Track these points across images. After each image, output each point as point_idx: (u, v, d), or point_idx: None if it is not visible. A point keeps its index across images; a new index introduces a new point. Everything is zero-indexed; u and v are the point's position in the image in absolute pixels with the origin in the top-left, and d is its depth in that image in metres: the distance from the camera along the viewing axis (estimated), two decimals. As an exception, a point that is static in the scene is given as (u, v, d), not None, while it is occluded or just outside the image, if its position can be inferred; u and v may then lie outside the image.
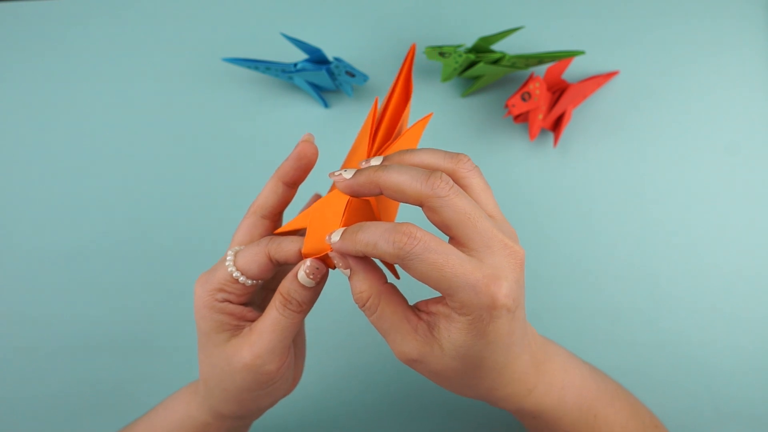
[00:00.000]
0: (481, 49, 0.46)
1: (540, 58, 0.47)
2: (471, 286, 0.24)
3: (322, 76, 0.48)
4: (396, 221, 0.29)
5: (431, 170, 0.25)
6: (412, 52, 0.31)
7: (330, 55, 0.51)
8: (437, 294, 0.27)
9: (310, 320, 0.48)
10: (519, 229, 0.49)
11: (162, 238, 0.51)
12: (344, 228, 0.26)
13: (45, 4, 0.54)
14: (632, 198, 0.49)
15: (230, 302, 0.29)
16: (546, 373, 0.30)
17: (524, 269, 0.26)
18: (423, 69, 0.52)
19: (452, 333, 0.25)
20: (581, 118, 0.50)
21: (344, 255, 0.26)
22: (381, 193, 0.26)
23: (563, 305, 0.49)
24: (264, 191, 0.31)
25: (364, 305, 0.27)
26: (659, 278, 0.48)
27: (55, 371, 0.50)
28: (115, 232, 0.51)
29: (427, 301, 0.28)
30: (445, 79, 0.49)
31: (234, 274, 0.28)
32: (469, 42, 0.50)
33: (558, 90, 0.48)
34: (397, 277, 0.31)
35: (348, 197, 0.26)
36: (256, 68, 0.49)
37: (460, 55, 0.46)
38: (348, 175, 0.27)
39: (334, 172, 0.27)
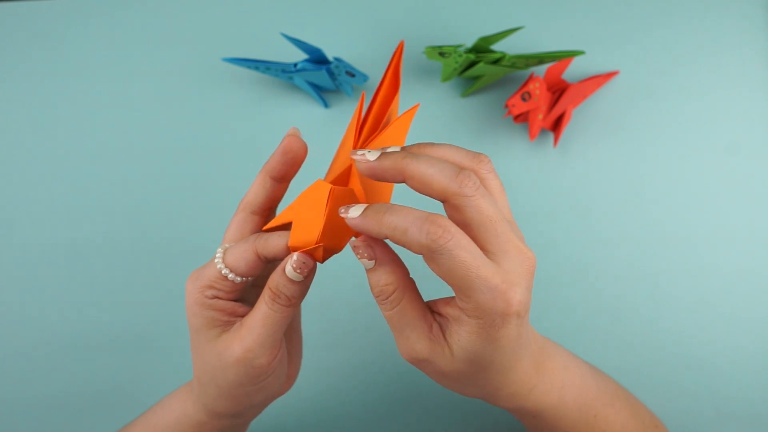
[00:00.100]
0: (481, 49, 0.46)
1: (540, 58, 0.47)
2: (490, 289, 0.24)
3: (322, 76, 0.48)
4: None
5: (459, 167, 0.25)
6: (400, 47, 0.32)
7: (330, 55, 0.51)
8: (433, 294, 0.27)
9: (310, 319, 0.48)
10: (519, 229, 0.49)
11: (162, 237, 0.51)
12: (366, 204, 0.26)
13: (45, 4, 0.54)
14: (632, 198, 0.49)
15: (220, 299, 0.29)
16: (546, 373, 0.30)
17: (534, 274, 0.26)
18: (423, 69, 0.52)
19: (462, 336, 0.25)
20: (581, 118, 0.50)
21: (368, 244, 0.26)
22: (402, 181, 0.26)
23: (563, 305, 0.49)
24: (252, 187, 0.31)
25: (386, 298, 0.26)
26: (659, 278, 0.48)
27: (55, 371, 0.50)
28: (115, 231, 0.51)
29: (436, 302, 0.28)
30: (445, 79, 0.49)
31: (223, 272, 0.28)
32: (469, 42, 0.50)
33: (558, 90, 0.48)
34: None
35: (330, 186, 0.26)
36: (256, 68, 0.49)
37: (460, 55, 0.46)
38: (372, 156, 0.26)
39: (356, 151, 0.27)
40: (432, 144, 0.28)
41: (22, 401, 0.49)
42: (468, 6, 0.52)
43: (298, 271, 0.27)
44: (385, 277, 0.26)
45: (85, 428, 0.49)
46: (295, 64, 0.48)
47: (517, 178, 0.50)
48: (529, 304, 0.26)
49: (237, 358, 0.28)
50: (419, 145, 0.28)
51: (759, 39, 0.50)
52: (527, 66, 0.48)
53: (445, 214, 0.26)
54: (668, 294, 0.48)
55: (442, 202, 0.25)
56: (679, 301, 0.48)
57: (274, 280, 0.27)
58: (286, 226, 0.29)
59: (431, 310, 0.28)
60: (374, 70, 0.52)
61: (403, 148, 0.27)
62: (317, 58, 0.47)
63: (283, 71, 0.48)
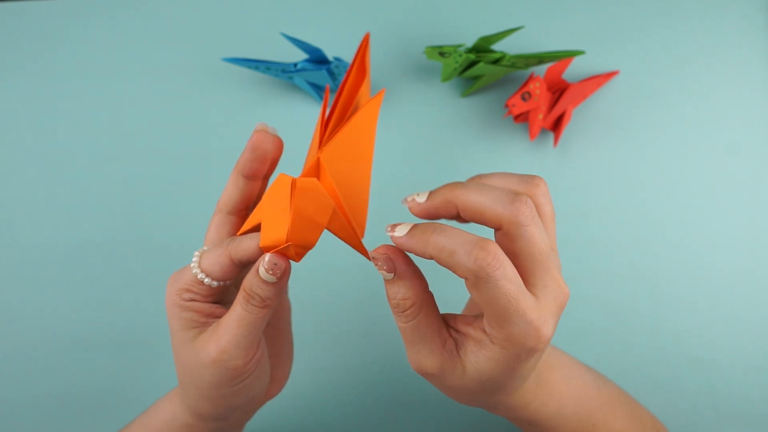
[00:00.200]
0: (481, 49, 0.46)
1: (540, 58, 0.47)
2: (525, 324, 0.24)
3: (322, 76, 0.48)
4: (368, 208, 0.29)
5: (515, 193, 0.24)
6: (366, 39, 0.31)
7: (330, 55, 0.51)
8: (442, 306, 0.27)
9: (310, 319, 0.48)
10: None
11: (161, 238, 0.51)
12: (413, 224, 0.25)
13: (45, 4, 0.54)
14: (632, 198, 0.49)
15: (197, 301, 0.29)
16: (546, 385, 0.30)
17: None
18: (423, 69, 0.52)
19: (480, 360, 0.25)
20: (581, 118, 0.50)
21: (392, 258, 0.26)
22: (456, 215, 0.25)
23: (563, 305, 0.49)
24: (226, 187, 0.30)
25: (403, 311, 0.26)
26: (659, 278, 0.48)
27: (54, 371, 0.50)
28: (115, 232, 0.51)
29: (455, 317, 0.27)
30: (445, 79, 0.49)
31: (199, 276, 0.28)
32: (469, 42, 0.50)
33: (558, 90, 0.48)
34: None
35: (291, 179, 0.25)
36: (256, 68, 0.49)
37: (460, 55, 0.46)
38: (421, 198, 0.26)
39: (406, 198, 0.26)
40: (483, 174, 0.27)
41: (22, 401, 0.49)
42: (468, 6, 0.52)
43: (270, 272, 0.26)
44: (403, 291, 0.26)
45: (85, 428, 0.49)
46: (295, 64, 0.48)
47: (517, 178, 0.50)
48: (550, 338, 0.26)
49: (212, 358, 0.27)
50: (472, 178, 0.27)
51: (759, 39, 0.50)
52: (527, 66, 0.48)
53: (493, 238, 0.26)
54: (668, 294, 0.48)
55: (496, 229, 0.25)
56: (679, 300, 0.48)
57: (248, 281, 0.27)
58: (259, 227, 0.28)
59: (447, 323, 0.28)
60: (374, 69, 0.52)
61: (459, 184, 0.26)
62: (317, 58, 0.47)
63: (283, 71, 0.48)
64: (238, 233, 0.29)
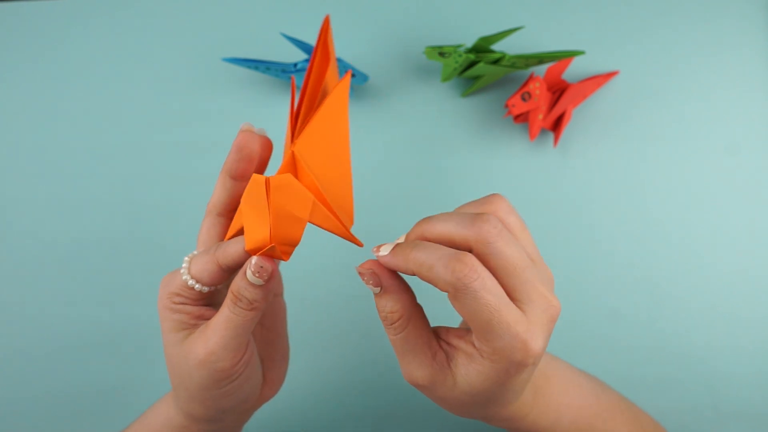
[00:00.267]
0: (481, 49, 0.46)
1: (540, 58, 0.47)
2: (511, 337, 0.24)
3: (322, 76, 0.48)
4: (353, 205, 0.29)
5: (477, 213, 0.25)
6: (326, 22, 0.30)
7: (330, 55, 0.51)
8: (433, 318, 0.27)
9: (308, 320, 0.48)
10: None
11: (161, 239, 0.51)
12: (396, 243, 0.26)
13: (45, 4, 0.54)
14: (632, 198, 0.49)
15: (188, 305, 0.29)
16: (543, 396, 0.30)
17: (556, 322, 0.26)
18: (423, 69, 0.52)
19: (471, 373, 0.25)
20: (581, 118, 0.50)
21: (377, 273, 0.26)
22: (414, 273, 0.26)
23: (563, 305, 0.48)
24: (215, 189, 0.30)
25: (391, 324, 0.27)
26: (659, 278, 0.48)
27: (54, 371, 0.50)
28: (115, 231, 0.51)
29: (447, 330, 0.28)
30: (445, 79, 0.49)
31: (189, 282, 0.28)
32: (469, 42, 0.50)
33: (558, 90, 0.48)
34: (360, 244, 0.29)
35: (264, 178, 0.25)
36: (256, 68, 0.49)
37: (460, 55, 0.46)
38: (385, 251, 0.27)
39: (376, 249, 0.27)
40: (430, 218, 0.27)
41: (22, 401, 0.49)
42: (468, 6, 0.52)
43: (257, 275, 0.26)
44: (390, 304, 0.26)
45: (85, 428, 0.49)
46: (295, 64, 0.48)
47: (517, 178, 0.50)
48: (545, 351, 0.26)
49: (200, 360, 0.27)
50: (421, 221, 0.27)
51: (759, 39, 0.50)
52: (527, 66, 0.48)
53: None
54: (668, 293, 0.48)
55: (469, 251, 0.25)
56: (678, 300, 0.48)
57: (236, 283, 0.27)
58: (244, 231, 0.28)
59: (438, 336, 0.28)
60: (374, 70, 0.52)
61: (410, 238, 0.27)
62: (317, 58, 0.47)
63: (283, 71, 0.48)
64: (225, 238, 0.29)
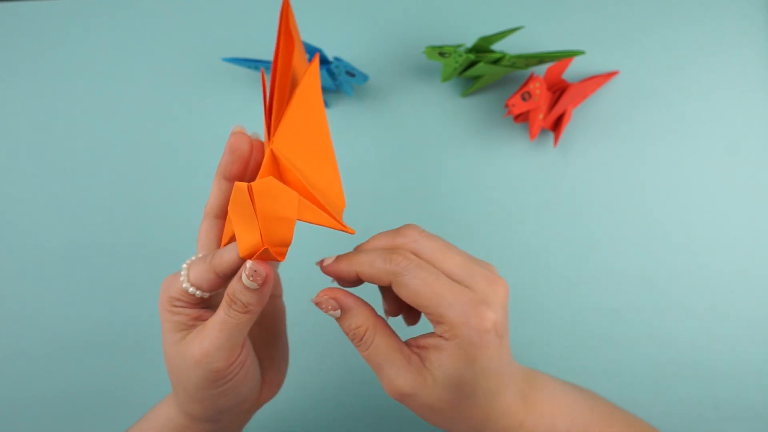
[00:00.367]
0: (481, 49, 0.46)
1: (540, 58, 0.47)
2: (460, 305, 0.25)
3: (322, 76, 0.48)
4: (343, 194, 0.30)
5: (388, 250, 0.27)
6: (285, 4, 0.30)
7: (330, 55, 0.51)
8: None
9: (307, 321, 0.48)
10: (519, 229, 0.50)
11: (161, 238, 0.51)
12: (338, 255, 0.28)
13: (45, 4, 0.54)
14: (632, 198, 0.49)
15: (186, 307, 0.29)
16: (535, 404, 0.31)
17: (509, 299, 0.27)
18: (423, 69, 0.52)
19: (443, 361, 0.26)
20: (581, 118, 0.50)
21: (333, 297, 0.28)
22: (359, 282, 0.29)
23: (562, 305, 0.49)
24: (211, 192, 0.31)
25: (361, 339, 0.28)
26: (659, 278, 0.48)
27: (55, 371, 0.50)
28: (115, 232, 0.51)
29: (415, 338, 0.29)
30: (445, 79, 0.49)
31: (190, 290, 0.28)
32: (469, 42, 0.50)
33: (558, 90, 0.48)
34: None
35: (246, 185, 0.25)
36: (256, 68, 0.49)
37: (460, 55, 0.46)
38: (328, 261, 0.29)
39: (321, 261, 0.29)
40: (363, 243, 0.29)
41: (22, 401, 0.49)
42: (468, 6, 0.52)
43: (251, 279, 0.26)
44: (354, 320, 0.28)
45: (85, 428, 0.49)
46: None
47: (517, 178, 0.50)
48: (507, 326, 0.27)
49: (195, 360, 0.28)
50: (356, 247, 0.30)
51: (759, 39, 0.50)
52: (527, 66, 0.48)
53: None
54: (668, 293, 0.48)
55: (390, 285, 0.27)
56: (678, 300, 0.48)
57: (232, 287, 0.27)
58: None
59: (409, 345, 0.29)
60: (374, 70, 0.52)
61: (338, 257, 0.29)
62: (317, 58, 0.47)
63: (283, 71, 0.48)
64: (221, 245, 0.29)
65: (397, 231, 0.29)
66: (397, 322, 0.32)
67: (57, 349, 0.50)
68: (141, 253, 0.51)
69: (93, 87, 0.53)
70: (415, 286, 0.26)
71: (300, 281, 0.46)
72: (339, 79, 0.49)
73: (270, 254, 0.26)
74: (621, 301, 0.48)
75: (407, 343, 0.29)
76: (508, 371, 0.28)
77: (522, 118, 0.47)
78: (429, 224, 0.50)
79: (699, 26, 0.51)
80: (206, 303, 0.30)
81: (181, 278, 0.29)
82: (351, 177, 0.50)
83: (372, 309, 0.29)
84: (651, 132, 0.50)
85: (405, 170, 0.50)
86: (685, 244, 0.48)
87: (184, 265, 0.29)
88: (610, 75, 0.50)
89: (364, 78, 0.48)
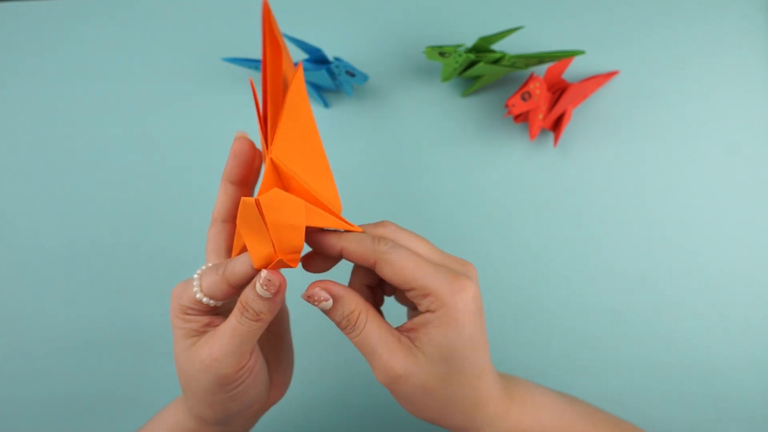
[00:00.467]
0: (481, 48, 0.46)
1: (540, 58, 0.47)
2: (443, 277, 0.27)
3: (322, 76, 0.48)
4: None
5: (374, 237, 0.28)
6: (265, 8, 0.30)
7: (330, 55, 0.51)
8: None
9: (308, 322, 0.48)
10: (519, 229, 0.50)
11: (161, 238, 0.51)
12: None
13: (45, 4, 0.54)
14: (632, 198, 0.49)
15: (198, 315, 0.30)
16: (516, 395, 0.31)
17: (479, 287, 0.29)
18: (423, 69, 0.52)
19: (432, 334, 0.27)
20: (581, 118, 0.50)
21: (323, 287, 0.28)
22: (337, 260, 0.30)
23: (562, 305, 0.49)
24: (218, 197, 0.32)
25: (354, 324, 0.28)
26: (659, 278, 0.48)
27: (55, 371, 0.50)
28: (115, 232, 0.51)
29: (401, 325, 0.30)
30: (445, 79, 0.49)
31: (204, 300, 0.29)
32: (469, 42, 0.50)
33: (558, 90, 0.48)
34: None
35: (254, 200, 0.26)
36: (256, 68, 0.49)
37: (460, 55, 0.46)
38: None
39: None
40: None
41: (22, 401, 0.49)
42: (468, 6, 0.52)
43: (265, 288, 0.27)
44: (347, 306, 0.28)
45: (85, 428, 0.49)
46: (295, 64, 0.48)
47: (517, 178, 0.50)
48: (481, 302, 0.28)
49: (205, 365, 0.28)
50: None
51: (759, 39, 0.50)
52: (527, 66, 0.48)
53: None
54: (668, 293, 0.48)
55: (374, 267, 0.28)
56: (678, 300, 0.48)
57: (245, 295, 0.28)
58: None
59: (398, 331, 0.29)
60: (374, 70, 0.52)
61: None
62: (317, 58, 0.47)
63: (283, 71, 0.48)
64: (232, 256, 0.30)
65: (375, 224, 0.30)
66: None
67: (57, 349, 0.50)
68: (141, 253, 0.51)
69: (93, 87, 0.53)
70: (401, 263, 0.27)
71: (299, 284, 0.46)
72: (339, 79, 0.49)
73: (284, 263, 0.27)
74: (621, 301, 0.48)
75: (396, 329, 0.30)
76: (488, 356, 0.29)
77: (522, 118, 0.47)
78: (428, 224, 0.50)
79: (699, 26, 0.51)
80: (217, 310, 0.31)
81: (194, 288, 0.29)
82: (351, 177, 0.50)
83: (360, 295, 0.29)
84: (651, 132, 0.50)
85: (405, 170, 0.50)
86: (685, 244, 0.48)
87: (196, 275, 0.29)
88: (610, 75, 0.50)
89: (364, 78, 0.48)
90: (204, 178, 0.51)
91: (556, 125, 0.49)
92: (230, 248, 0.31)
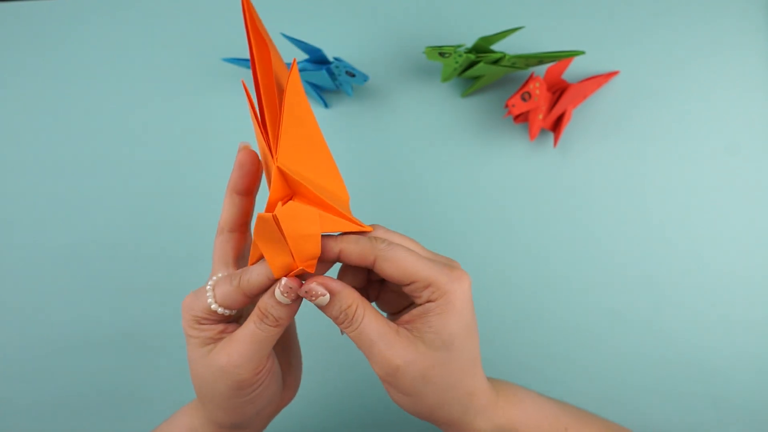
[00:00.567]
0: (481, 49, 0.46)
1: (540, 58, 0.47)
2: (440, 268, 0.28)
3: (322, 76, 0.48)
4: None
5: (371, 238, 0.29)
6: (246, 4, 0.30)
7: (330, 55, 0.51)
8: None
9: (307, 324, 0.48)
10: (518, 229, 0.50)
11: (162, 238, 0.51)
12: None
13: (45, 4, 0.54)
14: (632, 198, 0.49)
15: (211, 323, 0.30)
16: (500, 391, 0.32)
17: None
18: (423, 69, 0.52)
19: (433, 321, 0.28)
20: (581, 118, 0.50)
21: (320, 282, 0.28)
22: (334, 262, 0.30)
23: (562, 306, 0.49)
24: (224, 207, 0.32)
25: (353, 318, 0.29)
26: (659, 278, 0.48)
27: (56, 371, 0.50)
28: (115, 232, 0.51)
29: (400, 318, 0.30)
30: (445, 79, 0.49)
31: (212, 307, 0.29)
32: (469, 42, 0.50)
33: (558, 90, 0.48)
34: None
35: (271, 216, 0.26)
36: (256, 68, 0.49)
37: (460, 55, 0.46)
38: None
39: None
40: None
41: (22, 401, 0.49)
42: (468, 6, 0.52)
43: (286, 295, 0.28)
44: (345, 301, 0.29)
45: (85, 428, 0.49)
46: (289, 63, 0.48)
47: (517, 178, 0.50)
48: (474, 309, 0.30)
49: (224, 371, 0.29)
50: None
51: (759, 39, 0.50)
52: (527, 66, 0.48)
53: None
54: (668, 293, 0.48)
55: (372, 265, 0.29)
56: (678, 300, 0.48)
57: (264, 302, 0.29)
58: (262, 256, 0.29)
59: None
60: (374, 70, 0.52)
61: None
62: (317, 58, 0.47)
63: (283, 71, 0.48)
64: (249, 264, 0.30)
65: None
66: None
67: (58, 349, 0.50)
68: (141, 254, 0.51)
69: (93, 87, 0.53)
70: (400, 258, 0.28)
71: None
72: (339, 79, 0.49)
73: (302, 270, 0.28)
74: (621, 301, 0.48)
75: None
76: (479, 347, 0.30)
77: (522, 118, 0.47)
78: (429, 223, 0.50)
79: (699, 26, 0.51)
80: (230, 317, 0.31)
81: (209, 300, 0.29)
82: (351, 177, 0.50)
83: (354, 289, 0.30)
84: (651, 132, 0.50)
85: (405, 170, 0.50)
86: (685, 244, 0.48)
87: (209, 286, 0.30)
88: (610, 75, 0.50)
89: (364, 78, 0.48)
90: (205, 177, 0.51)
91: (556, 125, 0.49)
92: (237, 257, 0.32)
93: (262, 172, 0.32)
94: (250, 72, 0.52)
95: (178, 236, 0.51)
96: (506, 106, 0.45)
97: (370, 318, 0.29)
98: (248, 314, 0.33)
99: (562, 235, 0.49)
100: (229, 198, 0.32)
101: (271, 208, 0.27)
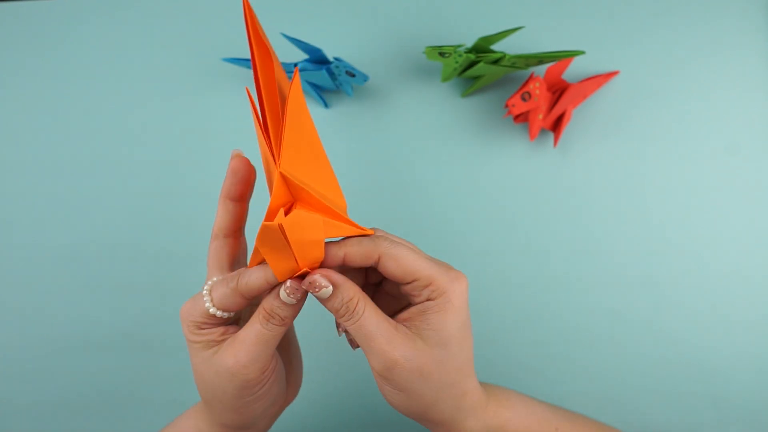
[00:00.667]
0: (481, 49, 0.46)
1: (540, 58, 0.47)
2: (440, 268, 0.29)
3: (322, 76, 0.47)
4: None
5: (372, 238, 0.30)
6: (246, 5, 0.30)
7: (330, 55, 0.51)
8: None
9: (309, 324, 0.48)
10: (518, 229, 0.50)
11: (162, 238, 0.51)
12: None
13: (45, 4, 0.54)
14: (632, 198, 0.49)
15: (212, 327, 0.31)
16: (490, 392, 0.33)
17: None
18: (423, 69, 0.52)
19: (432, 319, 0.29)
20: (581, 118, 0.50)
21: (323, 274, 0.29)
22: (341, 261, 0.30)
23: (562, 306, 0.49)
24: (218, 213, 0.33)
25: (354, 310, 0.29)
26: (659, 278, 0.48)
27: (56, 371, 0.50)
28: (115, 232, 0.51)
29: (398, 315, 0.31)
30: (445, 79, 0.49)
31: (211, 311, 0.30)
32: (469, 42, 0.50)
33: (558, 90, 0.48)
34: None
35: (278, 224, 0.27)
36: (256, 68, 0.49)
37: (460, 55, 0.46)
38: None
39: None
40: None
41: (22, 401, 0.49)
42: (468, 6, 0.52)
43: (291, 296, 0.28)
44: (347, 293, 0.29)
45: (85, 428, 0.49)
46: (296, 64, 0.48)
47: (517, 178, 0.50)
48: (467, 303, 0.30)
49: (231, 373, 0.29)
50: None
51: (759, 39, 0.50)
52: (527, 66, 0.48)
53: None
54: (668, 293, 0.48)
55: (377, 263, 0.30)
56: (678, 300, 0.48)
57: (269, 303, 0.29)
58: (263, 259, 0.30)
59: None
60: (374, 70, 0.52)
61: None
62: (317, 58, 0.47)
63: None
64: (249, 267, 0.30)
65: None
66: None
67: (58, 349, 0.50)
68: (141, 254, 0.51)
69: (93, 87, 0.53)
70: (403, 256, 0.29)
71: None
72: (339, 79, 0.49)
73: (306, 271, 0.28)
74: (621, 302, 0.48)
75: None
76: (472, 348, 0.31)
77: (522, 118, 0.47)
78: (428, 224, 0.50)
79: (699, 26, 0.51)
80: (229, 320, 0.32)
81: (206, 303, 0.30)
82: (351, 177, 0.50)
83: (355, 283, 0.30)
84: (651, 132, 0.50)
85: (405, 170, 0.50)
86: (685, 244, 0.48)
87: (205, 290, 0.30)
88: (610, 75, 0.50)
89: (364, 78, 0.48)
90: (204, 178, 0.51)
91: (556, 125, 0.49)
92: (232, 262, 0.33)
93: (255, 179, 0.32)
94: (249, 72, 0.52)
95: (177, 236, 0.51)
96: (506, 106, 0.45)
97: (370, 312, 0.29)
98: (246, 316, 0.33)
99: (562, 235, 0.49)
100: (222, 204, 0.32)
101: (272, 214, 0.27)
